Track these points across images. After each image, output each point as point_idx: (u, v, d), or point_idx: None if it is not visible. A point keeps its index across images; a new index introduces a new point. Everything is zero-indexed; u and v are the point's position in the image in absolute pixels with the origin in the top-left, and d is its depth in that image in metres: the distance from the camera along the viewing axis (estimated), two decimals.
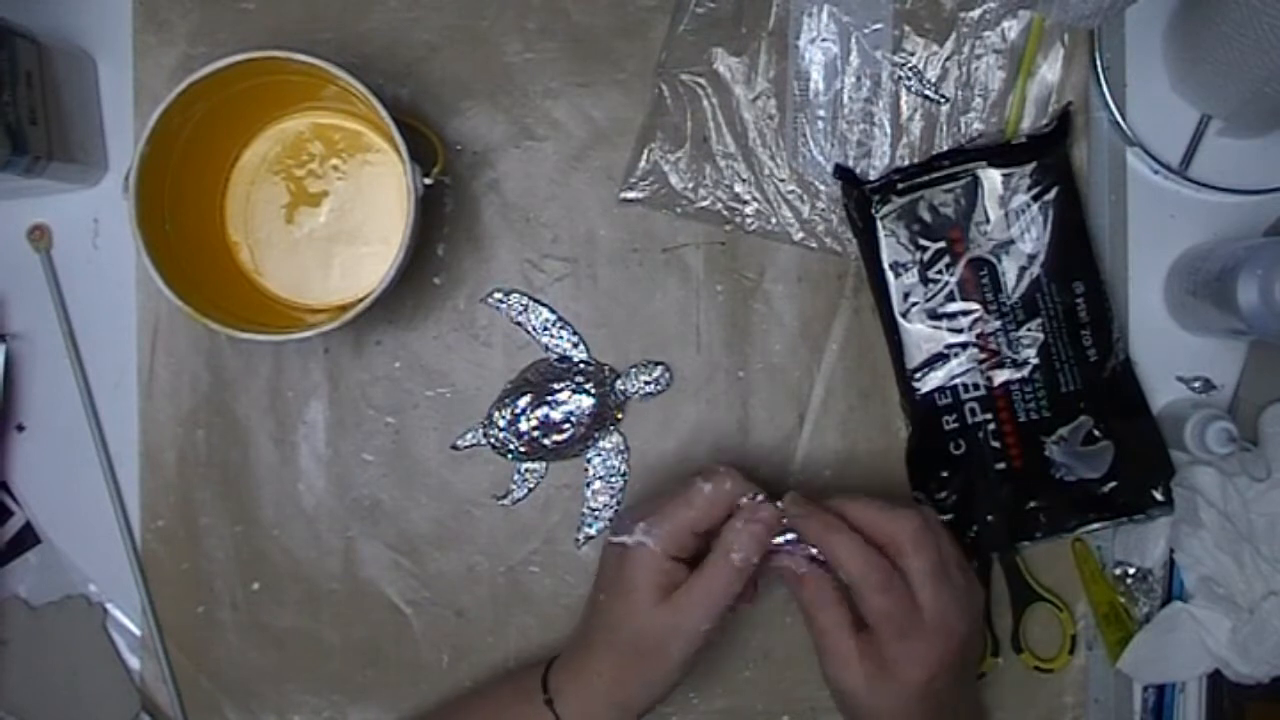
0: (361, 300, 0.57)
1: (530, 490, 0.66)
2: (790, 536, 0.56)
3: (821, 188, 0.66)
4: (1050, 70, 0.66)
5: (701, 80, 0.66)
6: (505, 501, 0.66)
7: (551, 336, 0.66)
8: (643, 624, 0.54)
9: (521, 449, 0.65)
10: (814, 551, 0.55)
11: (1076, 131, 0.65)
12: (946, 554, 0.54)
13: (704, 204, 0.66)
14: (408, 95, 0.66)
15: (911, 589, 0.53)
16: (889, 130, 0.66)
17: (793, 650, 0.65)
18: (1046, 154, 0.64)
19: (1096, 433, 0.64)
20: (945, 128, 0.66)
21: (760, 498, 0.55)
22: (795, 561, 0.56)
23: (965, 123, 0.66)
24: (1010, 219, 0.64)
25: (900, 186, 0.64)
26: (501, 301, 0.66)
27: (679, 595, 0.54)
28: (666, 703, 0.56)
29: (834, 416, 0.66)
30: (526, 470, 0.66)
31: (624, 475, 0.66)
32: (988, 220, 0.64)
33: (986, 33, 0.66)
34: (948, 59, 0.66)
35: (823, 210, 0.66)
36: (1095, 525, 0.64)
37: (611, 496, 0.66)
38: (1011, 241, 0.64)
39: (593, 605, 0.58)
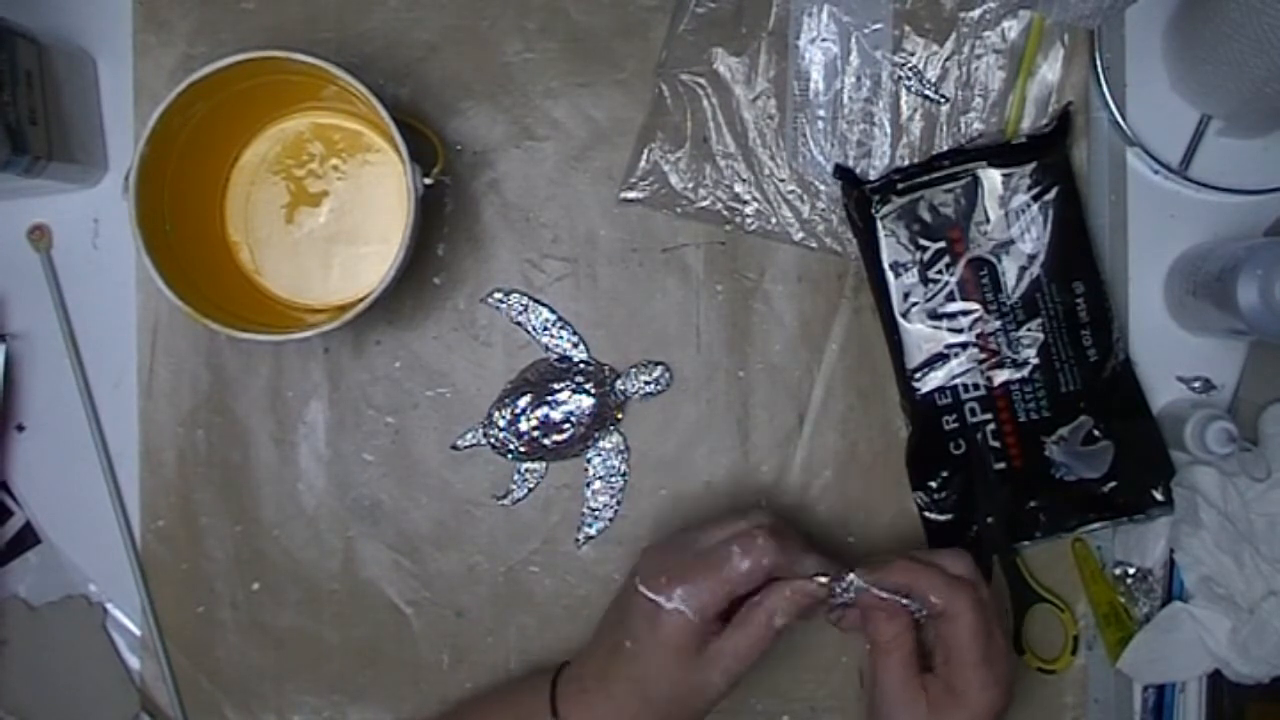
0: (361, 300, 0.57)
1: (530, 490, 0.66)
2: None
3: (821, 188, 0.66)
4: (1050, 70, 0.66)
5: (701, 80, 0.66)
6: (505, 501, 0.66)
7: (551, 336, 0.66)
8: (674, 678, 0.54)
9: (521, 449, 0.65)
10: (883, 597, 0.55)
11: (1076, 131, 0.65)
12: (992, 609, 0.55)
13: (704, 204, 0.66)
14: (408, 95, 0.66)
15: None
16: (889, 130, 0.66)
17: (792, 650, 0.65)
18: (1046, 154, 0.64)
19: (1096, 433, 0.64)
20: (945, 128, 0.66)
21: (817, 577, 0.54)
22: (871, 605, 0.55)
23: (965, 123, 0.66)
24: (1010, 219, 0.64)
25: (900, 186, 0.64)
26: (501, 301, 0.66)
27: (714, 650, 0.54)
28: None
29: (834, 416, 0.66)
30: (526, 470, 0.66)
31: (624, 475, 0.66)
32: (988, 220, 0.64)
33: (986, 33, 0.66)
34: (948, 59, 0.66)
35: (823, 210, 0.66)
36: (1095, 525, 0.64)
37: (611, 496, 0.66)
38: (1011, 241, 0.64)
39: (616, 647, 0.56)
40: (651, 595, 0.54)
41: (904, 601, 0.54)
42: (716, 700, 0.55)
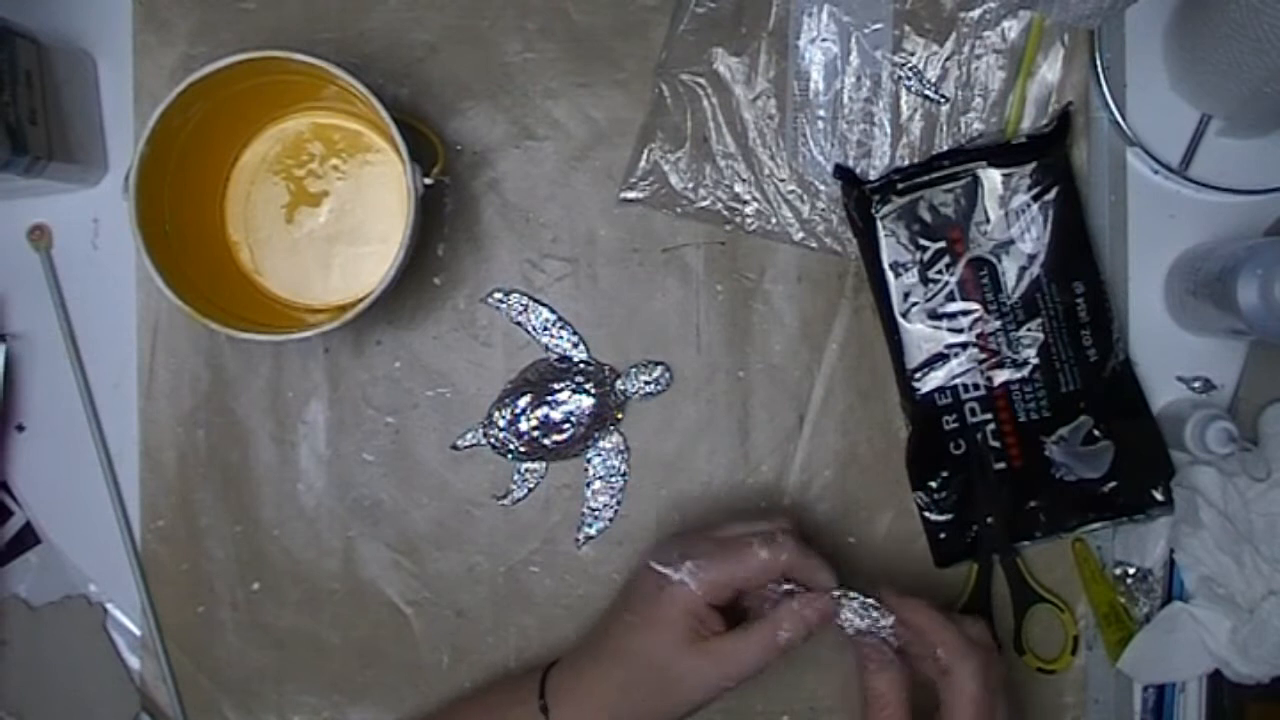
0: (361, 300, 0.57)
1: (530, 490, 0.66)
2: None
3: (821, 188, 0.66)
4: (1050, 70, 0.66)
5: (701, 80, 0.66)
6: (505, 501, 0.66)
7: (551, 336, 0.66)
8: (667, 658, 0.54)
9: (521, 449, 0.65)
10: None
11: (1076, 131, 0.65)
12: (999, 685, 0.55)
13: (704, 204, 0.66)
14: (408, 95, 0.66)
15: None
16: (889, 130, 0.66)
17: (792, 651, 0.65)
18: (1046, 154, 0.64)
19: (1096, 433, 0.64)
20: (945, 128, 0.66)
21: (831, 587, 0.54)
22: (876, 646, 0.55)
23: (965, 123, 0.66)
24: (1010, 219, 0.64)
25: (900, 186, 0.64)
26: (501, 301, 0.66)
27: (714, 646, 0.54)
28: None
29: (834, 416, 0.66)
30: (526, 470, 0.66)
31: (624, 475, 0.66)
32: (988, 220, 0.64)
33: (986, 33, 0.66)
34: (948, 59, 0.66)
35: (823, 210, 0.66)
36: (1095, 525, 0.64)
37: (611, 496, 0.66)
38: (1011, 241, 0.64)
39: (614, 619, 0.57)
40: (660, 568, 0.54)
41: (891, 640, 0.54)
42: (706, 699, 0.54)
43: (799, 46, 0.66)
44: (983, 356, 0.64)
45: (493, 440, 0.66)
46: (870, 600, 0.54)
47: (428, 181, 0.59)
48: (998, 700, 0.53)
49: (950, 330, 0.64)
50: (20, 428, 0.67)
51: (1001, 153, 0.64)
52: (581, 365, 0.66)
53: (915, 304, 0.64)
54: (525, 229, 0.67)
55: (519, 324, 0.66)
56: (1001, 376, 0.64)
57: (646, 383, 0.65)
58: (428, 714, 0.65)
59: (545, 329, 0.66)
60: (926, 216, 0.64)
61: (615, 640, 0.56)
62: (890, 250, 0.64)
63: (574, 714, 0.55)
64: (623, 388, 0.65)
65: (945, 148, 0.66)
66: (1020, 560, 0.65)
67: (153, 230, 0.57)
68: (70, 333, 0.67)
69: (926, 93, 0.66)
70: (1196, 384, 0.66)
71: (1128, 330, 0.66)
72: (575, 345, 0.66)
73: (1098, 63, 0.65)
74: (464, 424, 0.66)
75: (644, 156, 0.66)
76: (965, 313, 0.64)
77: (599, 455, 0.66)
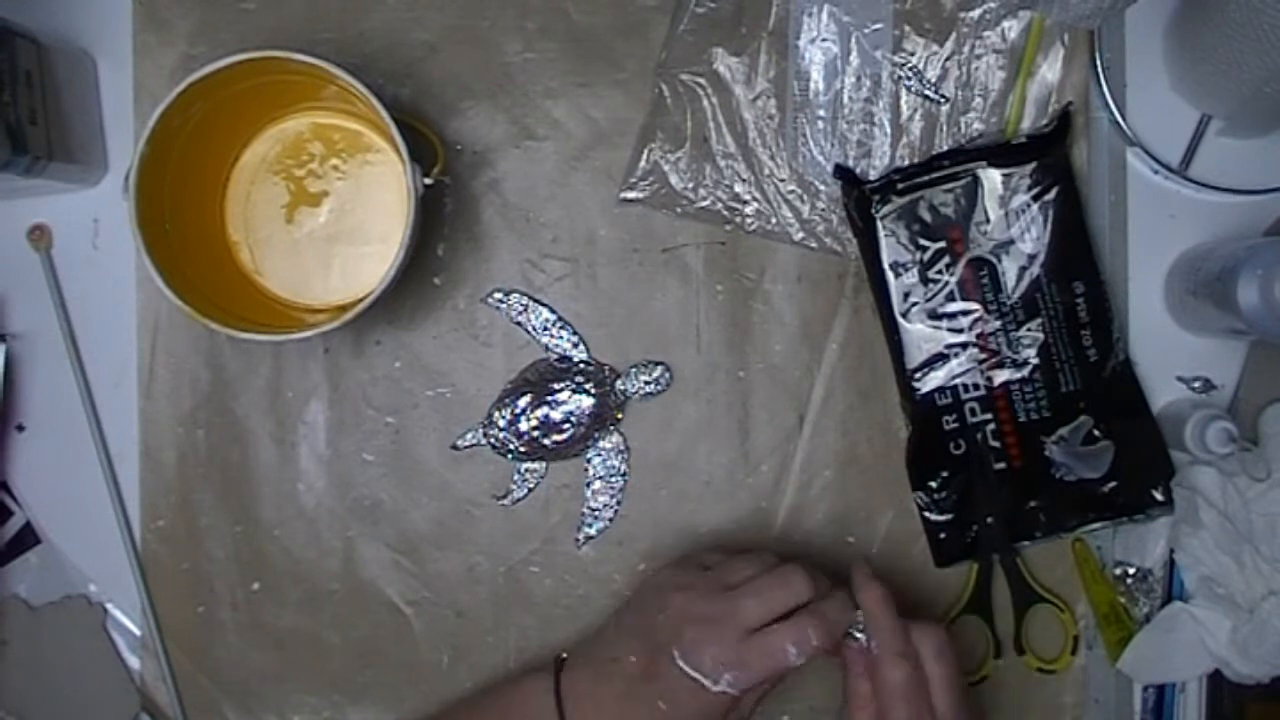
0: (361, 300, 0.57)
1: (530, 490, 0.66)
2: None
3: (821, 188, 0.66)
4: (1050, 70, 0.66)
5: (701, 80, 0.66)
6: (505, 501, 0.66)
7: (551, 336, 0.66)
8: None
9: (521, 449, 0.65)
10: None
11: (1076, 131, 0.65)
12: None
13: (704, 204, 0.66)
14: (408, 95, 0.66)
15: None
16: (889, 130, 0.66)
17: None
18: (1046, 154, 0.64)
19: (1096, 433, 0.64)
20: (945, 128, 0.66)
21: (845, 620, 0.55)
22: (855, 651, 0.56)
23: (965, 123, 0.66)
24: (1010, 219, 0.64)
25: (900, 186, 0.64)
26: (501, 301, 0.66)
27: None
28: None
29: (834, 416, 0.66)
30: (526, 470, 0.66)
31: (624, 475, 0.66)
32: (988, 220, 0.64)
33: (986, 33, 0.66)
34: (948, 59, 0.66)
35: (823, 210, 0.66)
36: (1095, 525, 0.64)
37: (611, 496, 0.66)
38: (1011, 241, 0.64)
39: (648, 705, 0.55)
40: (695, 674, 0.53)
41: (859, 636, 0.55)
42: (721, 712, 0.55)
43: (799, 46, 0.66)
44: (983, 356, 0.64)
45: (493, 440, 0.66)
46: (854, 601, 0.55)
47: (428, 181, 0.59)
48: (916, 711, 0.53)
49: (950, 330, 0.64)
50: (20, 428, 0.67)
51: (1001, 153, 0.64)
52: (581, 365, 0.66)
53: (915, 304, 0.64)
54: (525, 229, 0.67)
55: (519, 324, 0.66)
56: (1001, 376, 0.64)
57: (646, 383, 0.65)
58: (428, 715, 0.65)
59: (545, 329, 0.66)
60: (926, 216, 0.64)
61: (645, 707, 0.55)
62: (890, 250, 0.64)
63: None
64: (623, 388, 0.65)
65: (945, 148, 0.66)
66: (1020, 560, 0.65)
67: (153, 230, 0.57)
68: (70, 333, 0.67)
69: (926, 93, 0.66)
70: (1196, 384, 0.66)
71: (1128, 330, 0.66)
72: (575, 345, 0.66)
73: (1098, 63, 0.65)
74: (464, 424, 0.66)
75: (644, 156, 0.66)
76: (965, 313, 0.64)
77: (599, 455, 0.66)
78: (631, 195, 0.66)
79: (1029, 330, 0.64)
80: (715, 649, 0.53)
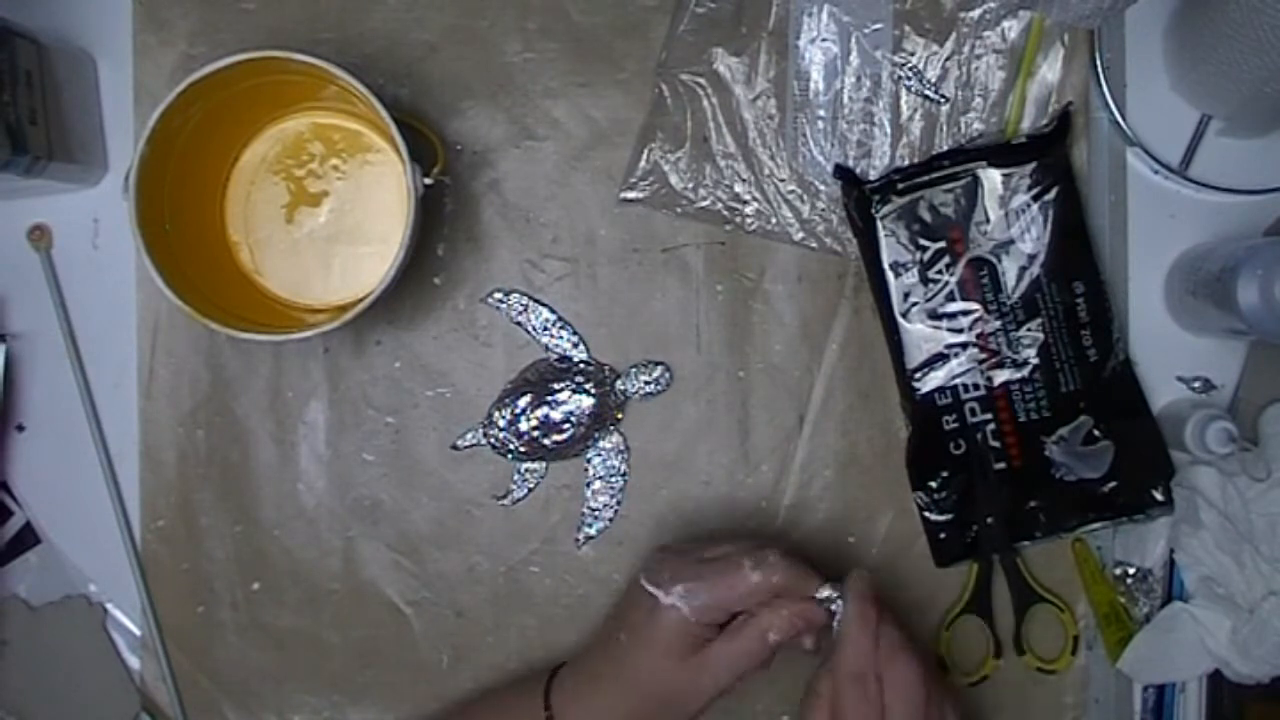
0: (361, 300, 0.57)
1: (530, 490, 0.66)
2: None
3: (821, 188, 0.66)
4: (1050, 70, 0.66)
5: (701, 80, 0.66)
6: (505, 501, 0.66)
7: (551, 336, 0.66)
8: (663, 678, 0.54)
9: (521, 449, 0.65)
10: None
11: (1076, 131, 0.65)
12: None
13: (704, 204, 0.66)
14: (408, 95, 0.66)
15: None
16: (889, 130, 0.66)
17: (791, 652, 0.65)
18: (1046, 154, 0.64)
19: (1096, 433, 0.64)
20: (945, 128, 0.66)
21: (823, 593, 0.54)
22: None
23: (965, 123, 0.66)
24: (1010, 219, 0.64)
25: (900, 186, 0.64)
26: (501, 301, 0.66)
27: (705, 655, 0.54)
28: None
29: (834, 416, 0.66)
30: (526, 470, 0.66)
31: (624, 475, 0.66)
32: (988, 220, 0.64)
33: (986, 33, 0.66)
34: (948, 59, 0.66)
35: (823, 210, 0.66)
36: (1095, 525, 0.64)
37: (611, 496, 0.66)
38: (1011, 241, 0.64)
39: (609, 640, 0.57)
40: (651, 589, 0.55)
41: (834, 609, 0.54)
42: (705, 705, 0.55)
43: (799, 46, 0.66)
44: (983, 356, 0.64)
45: (493, 440, 0.66)
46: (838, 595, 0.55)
47: (428, 181, 0.59)
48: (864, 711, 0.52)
49: (950, 330, 0.64)
50: (20, 428, 0.67)
51: (1001, 153, 0.64)
52: (581, 365, 0.66)
53: (915, 304, 0.64)
54: (525, 229, 0.67)
55: (519, 324, 0.66)
56: (1001, 376, 0.64)
57: (646, 383, 0.65)
58: (428, 715, 0.65)
59: (545, 329, 0.66)
60: (926, 216, 0.64)
61: (613, 663, 0.56)
62: (890, 250, 0.64)
63: None
64: (623, 388, 0.65)
65: (945, 148, 0.66)
66: (1020, 560, 0.65)
67: (153, 230, 0.57)
68: (70, 333, 0.67)
69: (926, 93, 0.66)
70: (1196, 384, 0.66)
71: (1128, 330, 0.66)
72: (575, 345, 0.66)
73: (1098, 63, 0.65)
74: (464, 424, 0.66)
75: (644, 156, 0.66)
76: (965, 313, 0.64)
77: (599, 455, 0.66)
78: (631, 195, 0.66)
79: (1029, 330, 0.64)
80: (675, 565, 0.55)
